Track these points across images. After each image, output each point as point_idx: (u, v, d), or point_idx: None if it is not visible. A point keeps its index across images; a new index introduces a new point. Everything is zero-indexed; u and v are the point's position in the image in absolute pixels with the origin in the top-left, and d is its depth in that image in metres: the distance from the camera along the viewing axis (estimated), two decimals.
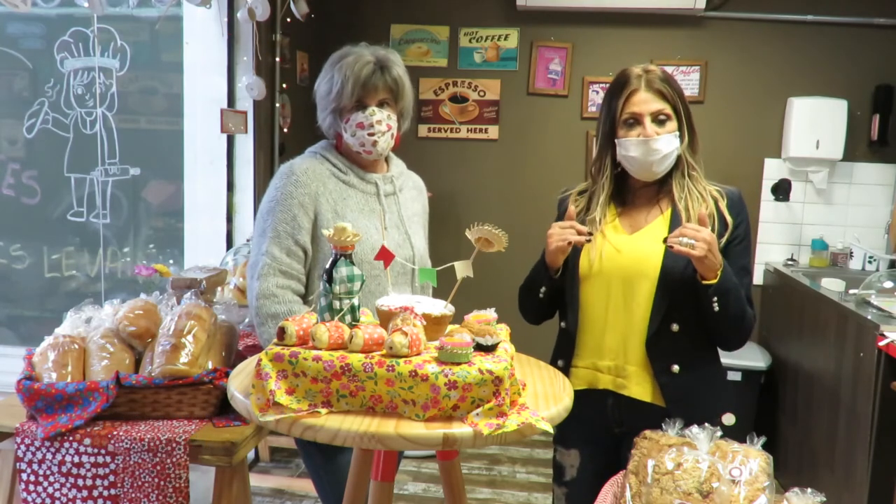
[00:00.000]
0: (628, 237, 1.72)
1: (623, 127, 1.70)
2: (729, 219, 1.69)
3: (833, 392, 2.81)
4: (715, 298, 1.60)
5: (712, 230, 1.65)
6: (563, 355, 1.78)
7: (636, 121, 1.68)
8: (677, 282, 1.64)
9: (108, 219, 3.40)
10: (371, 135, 1.80)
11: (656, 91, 1.68)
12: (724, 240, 1.68)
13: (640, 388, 1.71)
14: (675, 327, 1.67)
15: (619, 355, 1.72)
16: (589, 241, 1.67)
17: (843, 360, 2.73)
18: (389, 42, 3.96)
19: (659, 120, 1.68)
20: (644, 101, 1.68)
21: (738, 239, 1.70)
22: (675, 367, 1.68)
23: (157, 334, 1.86)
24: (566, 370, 1.75)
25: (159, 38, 3.35)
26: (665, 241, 1.59)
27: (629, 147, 1.68)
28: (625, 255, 1.69)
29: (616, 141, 1.72)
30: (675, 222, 1.69)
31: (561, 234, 1.67)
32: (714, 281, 1.59)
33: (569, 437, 1.82)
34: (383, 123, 1.81)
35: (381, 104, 1.82)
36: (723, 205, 1.71)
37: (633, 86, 1.69)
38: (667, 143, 1.67)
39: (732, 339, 1.72)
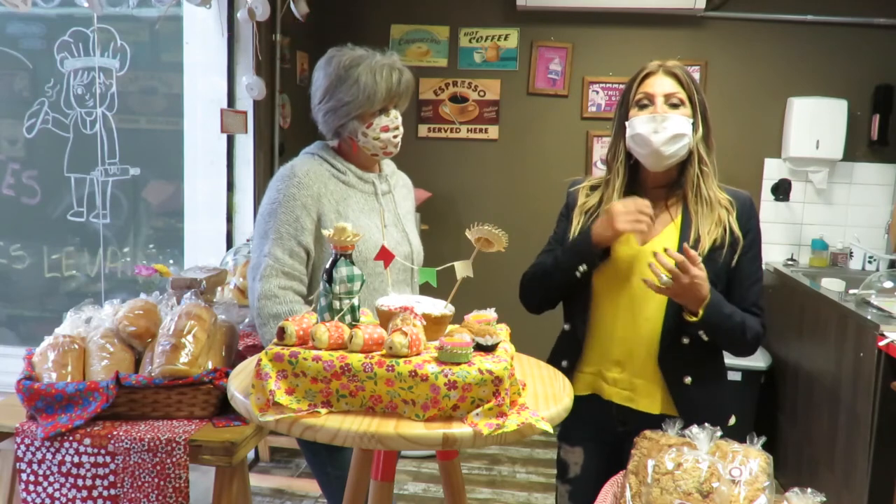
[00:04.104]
0: (639, 249, 1.69)
1: (635, 107, 1.67)
2: (739, 234, 1.66)
3: (833, 392, 2.81)
4: (701, 332, 1.61)
5: (721, 246, 1.64)
6: (567, 357, 1.76)
7: (649, 101, 1.65)
8: None
9: (108, 219, 3.40)
10: (396, 136, 1.88)
11: (672, 75, 1.66)
12: (736, 255, 1.66)
13: (649, 400, 1.70)
14: (685, 339, 1.66)
15: (626, 367, 1.70)
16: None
17: (843, 360, 2.73)
18: (389, 42, 3.96)
19: (672, 103, 1.64)
20: (658, 83, 1.65)
21: (749, 249, 1.68)
22: (688, 379, 1.66)
23: (157, 334, 1.86)
24: (570, 372, 1.74)
25: (159, 38, 3.35)
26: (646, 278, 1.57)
27: (636, 124, 1.64)
28: (635, 268, 1.67)
29: (626, 123, 1.68)
30: (684, 232, 1.67)
31: (635, 216, 1.60)
32: (695, 319, 1.58)
33: (573, 435, 1.81)
34: (402, 125, 1.89)
35: (395, 106, 1.88)
36: (733, 219, 1.67)
37: (649, 69, 1.68)
38: (677, 124, 1.62)
39: (738, 353, 1.72)
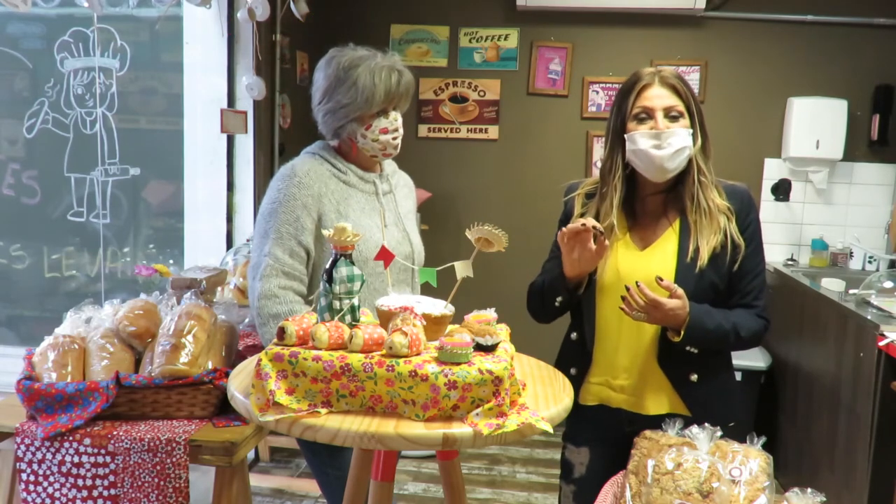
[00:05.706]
0: (640, 254, 1.69)
1: (633, 121, 1.64)
2: (741, 241, 1.65)
3: (833, 392, 2.81)
4: (687, 347, 1.61)
5: (723, 252, 1.63)
6: (576, 364, 1.75)
7: (648, 115, 1.62)
8: (689, 298, 1.60)
9: (108, 219, 3.40)
10: (395, 138, 1.88)
11: (670, 86, 1.63)
12: (739, 259, 1.64)
13: (656, 402, 1.69)
14: None
15: (632, 374, 1.69)
16: (602, 232, 1.55)
17: (843, 360, 2.73)
18: (389, 42, 3.96)
19: (671, 116, 1.62)
20: (657, 96, 1.62)
21: (750, 244, 1.66)
22: (694, 376, 1.66)
23: (157, 334, 1.87)
24: (579, 381, 1.74)
25: (159, 38, 3.35)
26: (623, 299, 1.57)
27: (638, 140, 1.61)
28: (638, 274, 1.65)
29: (626, 136, 1.65)
30: (683, 236, 1.66)
31: (572, 247, 1.58)
32: (678, 339, 1.59)
33: (579, 435, 1.80)
34: (401, 126, 1.89)
35: (394, 108, 1.87)
36: (733, 226, 1.65)
37: (645, 81, 1.64)
38: (679, 138, 1.60)
39: (738, 350, 1.73)
